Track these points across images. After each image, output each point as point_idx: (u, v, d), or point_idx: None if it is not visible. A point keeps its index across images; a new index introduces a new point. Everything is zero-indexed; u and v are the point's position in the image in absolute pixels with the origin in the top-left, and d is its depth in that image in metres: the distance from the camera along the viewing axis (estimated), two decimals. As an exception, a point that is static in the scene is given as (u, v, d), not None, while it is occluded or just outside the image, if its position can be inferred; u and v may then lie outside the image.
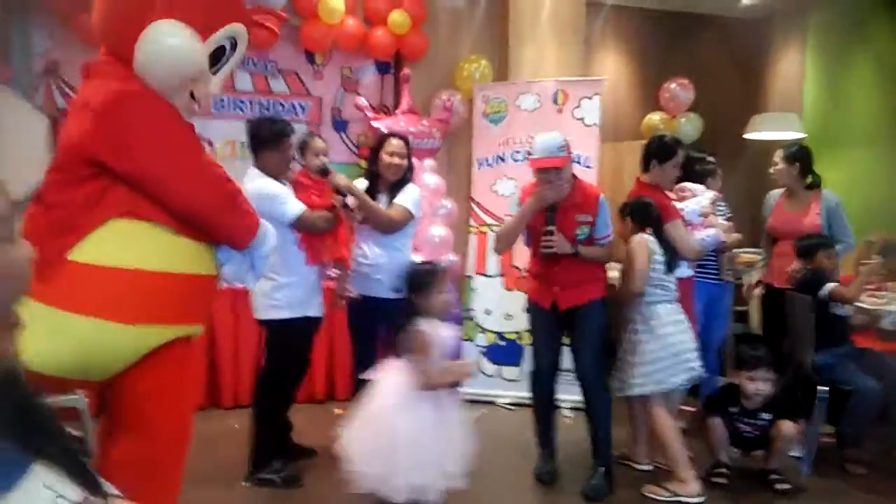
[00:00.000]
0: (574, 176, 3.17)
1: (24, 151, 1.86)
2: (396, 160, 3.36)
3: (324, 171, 3.27)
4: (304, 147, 3.37)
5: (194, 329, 1.94)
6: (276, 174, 3.16)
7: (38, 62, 4.29)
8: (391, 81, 5.11)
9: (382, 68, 5.09)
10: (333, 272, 3.27)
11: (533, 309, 3.32)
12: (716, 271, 3.94)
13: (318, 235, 3.20)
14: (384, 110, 5.05)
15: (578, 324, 3.19)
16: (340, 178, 3.26)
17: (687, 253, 3.25)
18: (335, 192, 3.22)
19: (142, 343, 1.79)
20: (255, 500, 3.13)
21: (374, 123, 4.65)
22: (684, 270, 3.35)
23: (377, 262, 3.32)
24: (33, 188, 1.81)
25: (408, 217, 3.34)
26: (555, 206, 3.07)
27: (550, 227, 3.05)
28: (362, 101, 4.75)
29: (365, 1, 4.77)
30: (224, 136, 4.72)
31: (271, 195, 3.05)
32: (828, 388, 3.37)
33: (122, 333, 1.74)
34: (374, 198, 3.34)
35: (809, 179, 3.92)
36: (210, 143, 4.69)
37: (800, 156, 3.91)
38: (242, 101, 4.78)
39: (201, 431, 3.72)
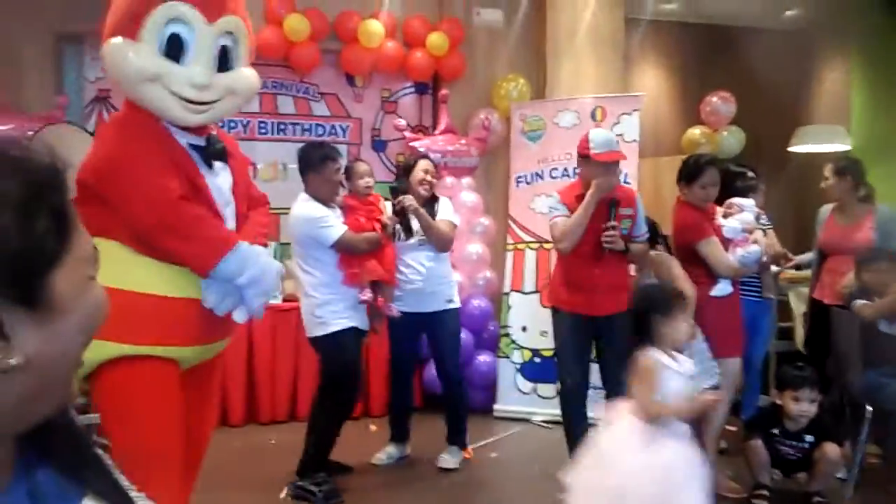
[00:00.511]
0: None
1: None
2: (430, 178, 3.57)
3: (397, 191, 3.50)
4: (349, 172, 3.51)
5: (168, 351, 1.88)
6: (324, 198, 3.31)
7: (89, 89, 4.52)
8: (430, 102, 5.19)
9: (421, 89, 5.17)
10: (367, 295, 3.31)
11: (566, 319, 3.27)
12: (758, 288, 3.87)
13: (359, 257, 3.31)
14: (423, 130, 5.14)
15: (612, 335, 3.19)
16: (410, 200, 3.43)
17: (721, 270, 3.20)
18: (398, 214, 3.43)
19: (93, 356, 1.72)
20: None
21: (413, 143, 4.73)
22: (724, 288, 3.27)
23: (431, 275, 3.53)
24: None
25: (454, 228, 3.64)
26: (616, 202, 3.14)
27: (613, 223, 3.11)
28: (401, 122, 4.84)
29: (404, 24, 4.87)
30: (266, 159, 4.86)
31: (313, 218, 3.24)
32: (873, 409, 3.27)
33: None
34: (406, 217, 3.50)
35: (862, 192, 3.83)
36: (253, 165, 4.83)
37: (851, 168, 3.82)
38: (284, 124, 4.92)
39: (239, 446, 3.86)
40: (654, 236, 3.34)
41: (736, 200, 3.44)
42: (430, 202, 3.58)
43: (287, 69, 4.78)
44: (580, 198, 3.17)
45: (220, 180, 1.99)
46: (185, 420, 1.96)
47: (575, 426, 3.33)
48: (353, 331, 3.30)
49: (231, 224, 2.00)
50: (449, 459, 3.62)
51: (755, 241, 3.34)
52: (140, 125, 1.87)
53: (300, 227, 3.30)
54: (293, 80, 4.89)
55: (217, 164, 2.00)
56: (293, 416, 4.38)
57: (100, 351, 1.77)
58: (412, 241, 3.52)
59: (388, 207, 3.55)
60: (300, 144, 4.81)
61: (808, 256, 4.17)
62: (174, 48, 1.86)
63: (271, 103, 4.89)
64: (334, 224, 3.25)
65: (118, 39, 1.84)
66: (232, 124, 4.76)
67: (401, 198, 3.43)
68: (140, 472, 1.93)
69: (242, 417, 4.31)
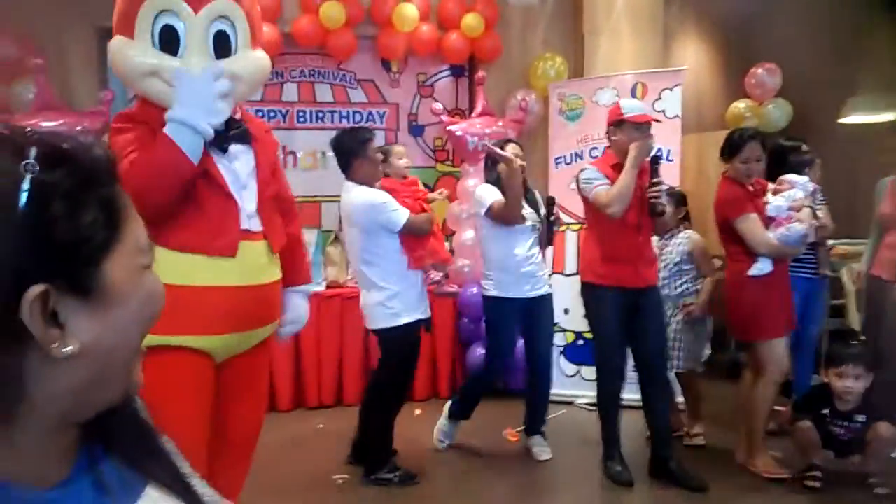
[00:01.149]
0: None
1: None
2: (521, 161, 3.35)
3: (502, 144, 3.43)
4: (386, 154, 3.51)
5: (185, 339, 1.85)
6: (370, 182, 3.23)
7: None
8: (466, 84, 5.16)
9: (457, 72, 5.15)
10: (435, 274, 3.35)
11: (608, 294, 3.21)
12: (813, 265, 3.77)
13: (421, 240, 3.29)
14: (460, 113, 5.11)
15: (650, 308, 3.23)
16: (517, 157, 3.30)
17: (758, 248, 3.19)
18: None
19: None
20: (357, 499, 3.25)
21: (450, 128, 4.71)
22: (763, 267, 3.21)
23: (538, 260, 3.55)
24: None
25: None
26: (657, 158, 3.18)
27: (659, 178, 3.11)
28: (438, 106, 4.82)
29: (438, 7, 4.84)
30: (306, 147, 4.91)
31: (378, 204, 3.15)
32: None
33: None
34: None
35: None
36: (293, 154, 4.89)
37: None
38: (322, 112, 4.95)
39: (288, 432, 3.95)
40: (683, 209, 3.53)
41: (788, 177, 3.34)
42: (528, 193, 3.58)
43: (324, 57, 4.80)
44: (617, 167, 3.14)
45: (237, 164, 1.96)
46: (216, 412, 1.96)
47: (615, 406, 3.33)
48: (419, 322, 3.31)
49: (250, 206, 1.96)
50: (541, 451, 3.62)
51: (799, 220, 3.21)
52: (146, 116, 1.89)
53: (366, 214, 3.16)
54: (330, 68, 4.91)
55: (236, 148, 1.96)
56: (339, 401, 4.46)
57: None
58: (530, 226, 3.49)
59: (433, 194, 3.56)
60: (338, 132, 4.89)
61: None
62: (169, 41, 1.87)
63: (309, 92, 4.92)
64: (398, 208, 3.17)
65: (117, 38, 1.89)
66: (272, 113, 4.82)
67: (502, 147, 3.35)
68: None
69: (290, 403, 4.40)
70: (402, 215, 3.15)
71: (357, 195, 3.18)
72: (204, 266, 1.86)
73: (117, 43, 1.89)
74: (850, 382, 3.02)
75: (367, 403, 3.44)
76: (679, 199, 3.86)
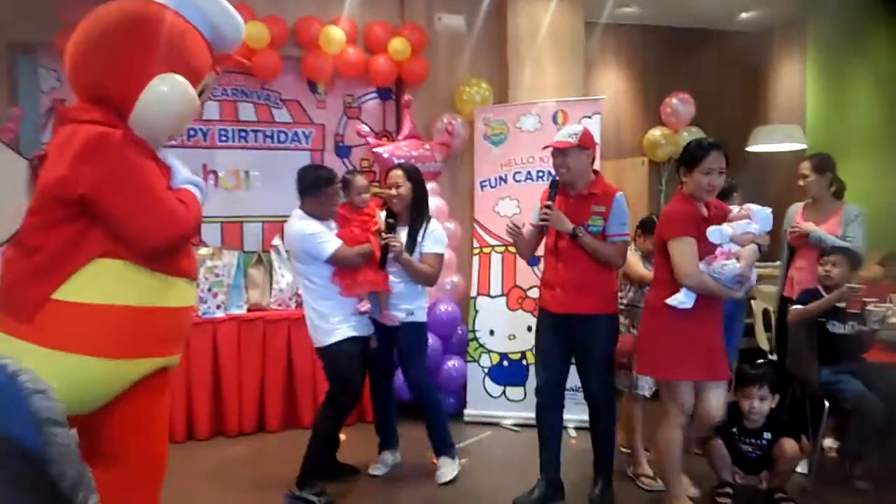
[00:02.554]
0: (596, 172, 3.30)
1: (4, 196, 1.93)
2: (393, 191, 3.55)
3: (389, 226, 3.49)
4: (347, 184, 3.56)
5: (173, 360, 2.03)
6: (319, 217, 3.39)
7: (45, 100, 4.42)
8: (393, 107, 5.18)
9: (384, 94, 5.16)
10: (366, 307, 3.40)
11: (539, 316, 3.34)
12: None
13: (353, 269, 3.40)
14: (386, 135, 5.12)
15: (585, 342, 3.19)
16: (395, 241, 3.43)
17: (682, 277, 2.84)
18: (382, 249, 3.44)
19: (126, 376, 1.88)
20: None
21: (376, 149, 4.72)
22: (683, 299, 2.84)
23: (396, 291, 3.52)
24: (13, 232, 1.89)
25: (441, 261, 3.61)
26: (557, 184, 3.21)
27: (549, 202, 3.17)
28: (364, 128, 4.82)
29: (365, 30, 4.85)
30: (227, 166, 4.80)
31: (308, 235, 3.34)
32: (830, 404, 3.35)
33: (108, 368, 1.83)
34: (394, 229, 3.50)
35: (834, 188, 3.90)
36: (214, 173, 4.78)
37: (829, 165, 3.88)
38: (245, 132, 4.86)
39: (207, 459, 3.82)
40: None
41: (750, 206, 2.99)
42: (417, 218, 3.55)
43: (248, 76, 4.73)
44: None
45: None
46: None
47: (544, 427, 3.33)
48: (353, 339, 3.38)
49: None
50: (442, 474, 3.60)
51: (739, 257, 2.82)
52: (143, 146, 1.90)
53: (297, 243, 3.38)
54: (254, 87, 4.84)
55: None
56: (261, 428, 4.35)
57: (137, 369, 1.89)
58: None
59: (381, 217, 3.60)
60: (261, 152, 4.83)
61: None
62: None
63: (232, 110, 4.83)
64: (328, 240, 3.34)
65: (187, 82, 1.94)
66: (192, 132, 4.70)
67: (389, 237, 3.42)
68: (154, 475, 1.99)
69: (209, 431, 4.25)
70: (329, 247, 3.31)
71: (293, 224, 3.39)
72: (184, 287, 2.01)
73: (190, 86, 1.94)
74: (755, 402, 3.14)
75: (314, 422, 3.54)
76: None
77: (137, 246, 1.83)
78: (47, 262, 1.79)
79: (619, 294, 3.51)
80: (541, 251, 3.42)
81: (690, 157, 2.94)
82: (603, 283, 3.20)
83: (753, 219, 2.88)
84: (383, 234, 3.44)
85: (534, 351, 3.44)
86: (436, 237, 3.56)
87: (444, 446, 3.67)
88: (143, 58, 1.88)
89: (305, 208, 3.40)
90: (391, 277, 3.52)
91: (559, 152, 3.17)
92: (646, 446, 3.58)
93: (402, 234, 3.51)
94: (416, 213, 3.56)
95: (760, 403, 3.14)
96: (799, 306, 3.52)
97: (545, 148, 3.29)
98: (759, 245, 2.91)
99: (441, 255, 3.60)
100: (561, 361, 3.27)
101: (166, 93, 1.89)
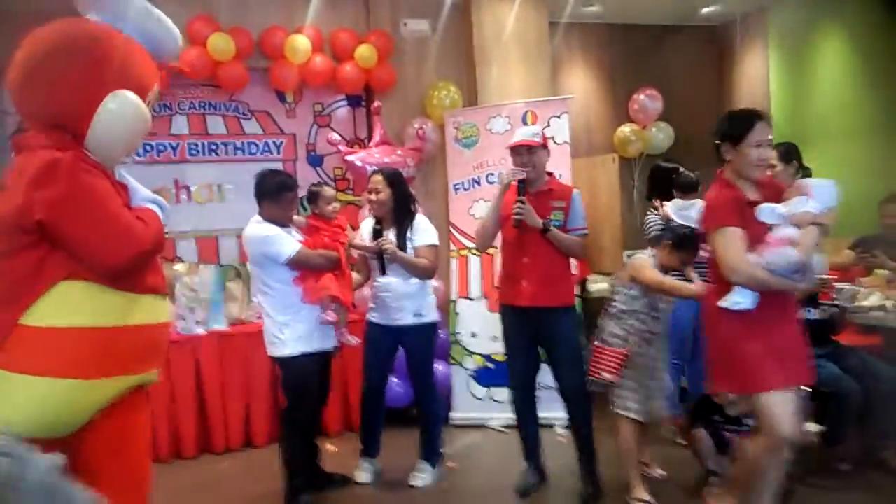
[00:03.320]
0: (550, 173, 3.41)
1: None
2: (373, 196, 3.55)
3: (377, 234, 3.52)
4: (315, 196, 3.53)
5: (149, 376, 2.01)
6: (278, 222, 3.32)
7: (10, 121, 4.34)
8: (363, 114, 5.17)
9: (354, 101, 5.15)
10: (332, 317, 3.33)
11: (504, 312, 3.41)
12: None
13: (316, 274, 3.32)
14: (358, 143, 5.11)
15: (553, 336, 3.28)
16: (389, 244, 3.44)
17: (729, 273, 2.46)
18: (378, 254, 3.47)
19: (103, 396, 1.85)
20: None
21: (348, 157, 4.70)
22: (738, 300, 2.46)
23: (399, 291, 3.51)
24: None
25: (436, 252, 3.59)
26: (525, 182, 3.25)
27: (521, 198, 3.20)
28: (335, 136, 4.81)
29: (331, 38, 4.84)
30: (200, 181, 4.77)
31: (264, 237, 3.27)
32: (809, 389, 3.40)
33: (83, 389, 1.80)
34: (381, 234, 3.54)
35: (800, 175, 3.96)
36: (187, 188, 4.73)
37: (794, 152, 3.92)
38: (216, 144, 4.82)
39: (193, 478, 3.77)
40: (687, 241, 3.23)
41: (809, 181, 2.66)
42: (402, 219, 3.56)
43: (215, 89, 4.69)
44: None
45: None
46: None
47: (523, 427, 3.40)
48: (308, 355, 3.31)
49: None
50: (413, 477, 3.61)
51: (794, 243, 2.42)
52: (96, 167, 1.87)
53: (254, 247, 3.31)
54: (222, 100, 4.80)
55: None
56: (249, 443, 4.31)
57: (111, 388, 1.86)
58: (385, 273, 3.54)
59: (354, 234, 3.62)
60: (233, 164, 4.79)
61: None
62: None
63: (200, 124, 4.79)
64: (286, 241, 3.26)
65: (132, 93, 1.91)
66: (161, 147, 4.65)
67: (380, 240, 3.45)
68: (138, 494, 1.96)
69: (195, 449, 4.20)
70: (288, 248, 3.25)
71: (250, 228, 3.32)
72: (157, 304, 1.99)
73: (140, 101, 1.92)
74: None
75: (280, 436, 3.50)
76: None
77: (97, 266, 1.81)
78: (13, 288, 1.78)
79: (616, 300, 3.33)
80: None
81: (735, 131, 2.54)
82: (565, 276, 3.37)
83: (811, 195, 2.48)
84: (373, 242, 3.47)
85: (504, 347, 3.48)
86: (424, 229, 3.58)
87: (431, 454, 3.67)
88: (91, 78, 1.85)
89: (264, 214, 3.33)
90: (392, 280, 3.50)
91: (526, 150, 3.26)
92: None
93: (391, 235, 3.52)
94: (401, 214, 3.57)
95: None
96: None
97: (510, 147, 3.34)
98: (821, 225, 2.46)
99: (434, 246, 3.58)
100: (528, 354, 3.37)
101: (117, 110, 1.87)
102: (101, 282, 1.83)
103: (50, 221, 1.76)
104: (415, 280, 3.53)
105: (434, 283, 4.74)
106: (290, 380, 3.34)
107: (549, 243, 3.22)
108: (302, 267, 3.29)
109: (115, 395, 1.88)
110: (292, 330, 3.27)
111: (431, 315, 3.63)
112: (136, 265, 1.87)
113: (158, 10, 2.07)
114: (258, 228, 3.29)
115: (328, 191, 3.56)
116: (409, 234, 3.54)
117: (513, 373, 3.43)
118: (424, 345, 3.62)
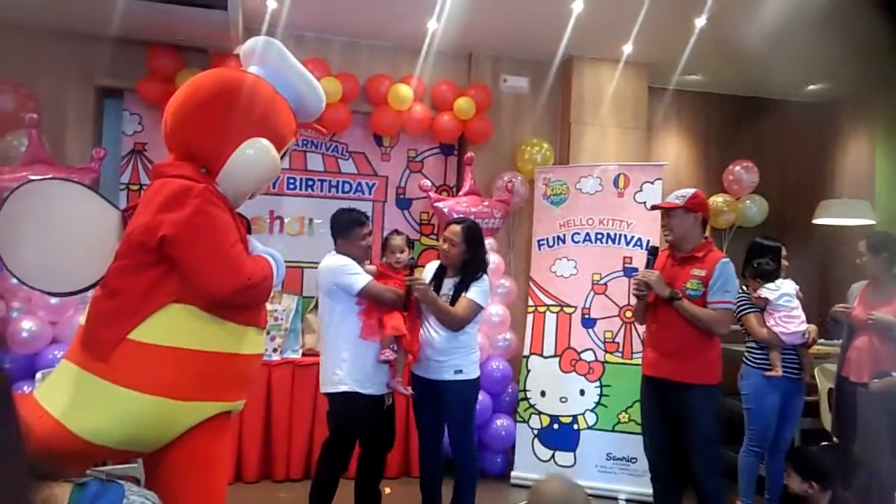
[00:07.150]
0: (707, 238, 3.31)
1: (96, 242, 2.09)
2: (445, 245, 3.46)
3: (411, 266, 3.40)
4: (385, 244, 3.59)
5: (237, 405, 2.09)
6: (351, 257, 3.37)
7: (126, 142, 4.67)
8: (455, 162, 5.28)
9: (447, 150, 5.27)
10: (389, 355, 3.29)
11: (641, 381, 3.36)
12: (797, 365, 3.85)
13: (381, 311, 3.33)
14: (447, 190, 5.21)
15: (679, 413, 3.13)
16: (421, 283, 3.34)
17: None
18: (406, 291, 3.34)
19: (193, 418, 1.93)
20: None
21: (437, 204, 4.79)
22: None
23: (440, 346, 3.37)
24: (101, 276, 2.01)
25: (476, 311, 3.38)
26: (655, 250, 3.26)
27: (647, 270, 3.20)
28: (426, 183, 4.92)
29: (433, 89, 4.99)
30: (293, 213, 4.95)
31: (339, 266, 3.32)
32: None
33: (177, 410, 1.89)
34: (441, 281, 3.47)
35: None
36: (280, 219, 4.92)
37: (888, 245, 3.77)
38: (312, 181, 5.02)
39: (252, 502, 3.82)
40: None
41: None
42: (469, 272, 3.42)
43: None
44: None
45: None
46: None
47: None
48: (357, 395, 3.27)
49: None
50: None
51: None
52: (223, 200, 2.03)
53: (328, 277, 3.34)
54: (323, 139, 5.00)
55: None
56: (308, 475, 4.34)
57: (202, 411, 1.94)
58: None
59: (431, 268, 3.59)
60: (326, 200, 4.96)
61: None
62: None
63: (301, 160, 5.00)
64: (361, 273, 3.31)
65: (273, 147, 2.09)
66: (261, 179, 4.86)
67: (411, 279, 3.33)
68: None
69: (256, 474, 4.27)
70: (361, 279, 3.28)
71: (326, 260, 3.41)
72: (250, 336, 2.07)
73: (275, 151, 2.09)
74: (794, 485, 2.96)
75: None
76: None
77: (201, 290, 1.92)
78: (127, 304, 1.90)
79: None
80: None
81: None
82: (699, 351, 3.13)
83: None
84: (407, 278, 3.34)
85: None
86: (481, 287, 3.41)
87: None
88: (235, 123, 2.04)
89: (339, 249, 3.41)
90: (435, 332, 3.38)
91: (664, 212, 3.24)
92: None
93: (450, 283, 3.44)
94: (468, 270, 3.44)
95: (800, 486, 2.97)
96: (878, 379, 3.34)
97: (653, 209, 3.37)
98: None
99: (476, 305, 3.36)
100: (659, 429, 3.23)
101: (253, 156, 2.04)
102: (207, 309, 1.93)
103: (170, 240, 1.88)
104: (462, 335, 3.39)
105: (507, 335, 4.74)
106: (336, 416, 3.37)
107: (682, 318, 3.11)
108: (372, 300, 3.30)
109: (201, 419, 1.95)
110: (350, 367, 3.27)
111: (473, 372, 3.45)
112: (237, 298, 1.96)
113: (311, 75, 2.30)
114: (335, 259, 3.36)
115: (396, 240, 3.52)
116: (465, 291, 3.40)
117: (644, 444, 3.35)
118: (463, 402, 3.45)
